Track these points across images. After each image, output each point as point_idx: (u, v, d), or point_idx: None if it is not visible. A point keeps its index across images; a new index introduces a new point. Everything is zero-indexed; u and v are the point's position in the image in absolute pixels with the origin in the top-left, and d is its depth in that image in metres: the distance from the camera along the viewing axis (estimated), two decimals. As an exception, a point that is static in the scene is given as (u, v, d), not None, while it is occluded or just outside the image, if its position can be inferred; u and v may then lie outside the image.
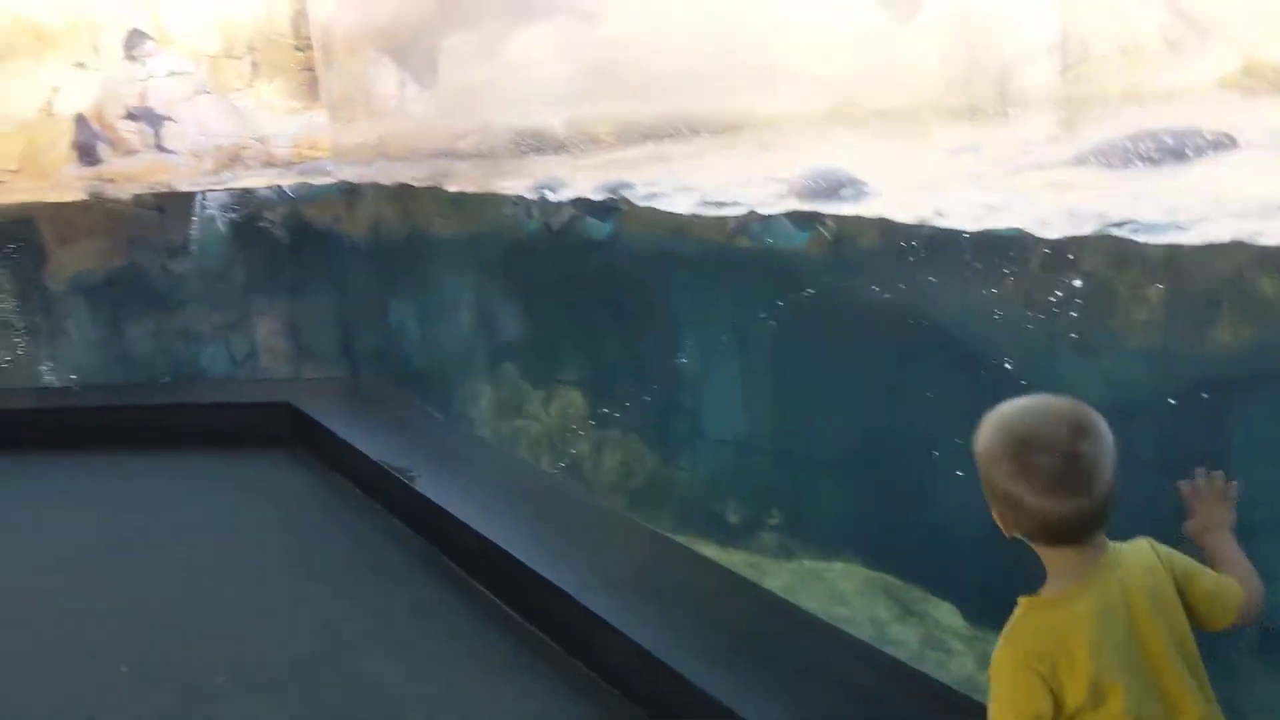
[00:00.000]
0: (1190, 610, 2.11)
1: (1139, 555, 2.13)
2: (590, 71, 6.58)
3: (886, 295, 4.66)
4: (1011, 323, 4.15)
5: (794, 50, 5.78)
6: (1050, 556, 2.11)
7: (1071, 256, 3.87)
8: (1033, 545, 2.12)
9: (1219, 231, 3.51)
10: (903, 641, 4.45)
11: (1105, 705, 1.99)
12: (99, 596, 5.47)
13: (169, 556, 5.91)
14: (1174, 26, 5.83)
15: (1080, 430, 2.00)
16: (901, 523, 4.77)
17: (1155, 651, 2.04)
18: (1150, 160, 4.57)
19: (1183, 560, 2.16)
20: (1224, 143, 3.81)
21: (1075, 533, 2.05)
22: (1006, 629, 2.10)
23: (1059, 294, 3.94)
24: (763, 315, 5.46)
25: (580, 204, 6.06)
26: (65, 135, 10.04)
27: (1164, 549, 2.15)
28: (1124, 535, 2.20)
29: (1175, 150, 4.53)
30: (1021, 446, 2.02)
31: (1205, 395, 3.49)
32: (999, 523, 2.11)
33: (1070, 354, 3.97)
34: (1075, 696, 2.00)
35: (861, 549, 4.93)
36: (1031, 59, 5.80)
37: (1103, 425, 2.02)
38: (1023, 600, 2.11)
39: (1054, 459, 1.99)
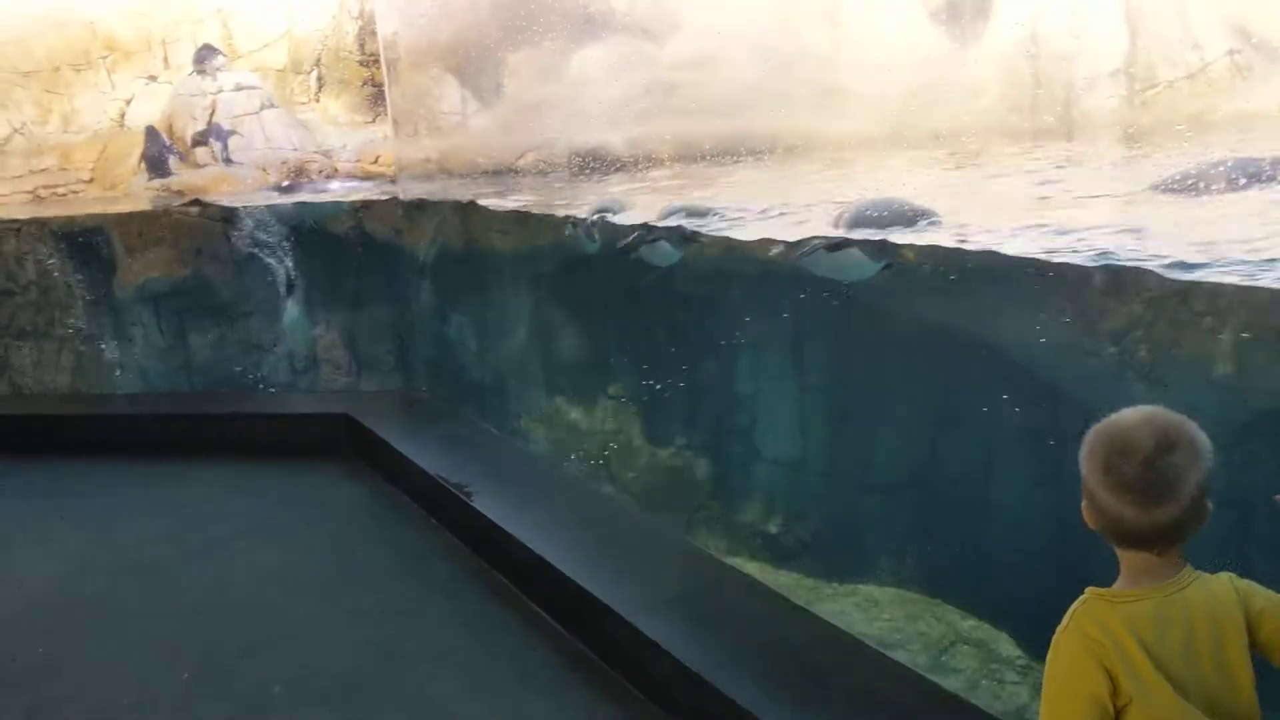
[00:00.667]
0: (1263, 645, 2.10)
1: (1214, 584, 2.13)
2: (651, 91, 6.61)
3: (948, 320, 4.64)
4: (1074, 351, 4.10)
5: (857, 71, 5.78)
6: (1124, 557, 2.16)
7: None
8: (1108, 542, 2.17)
9: None
10: (957, 670, 4.41)
11: (1151, 707, 2.02)
12: (160, 603, 5.56)
13: (228, 565, 5.99)
14: (1243, 52, 5.76)
15: (1168, 444, 2.04)
16: (959, 551, 4.73)
17: (1206, 671, 2.05)
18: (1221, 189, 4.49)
19: (1262, 595, 2.14)
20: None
21: (1144, 541, 2.10)
22: (1069, 613, 2.14)
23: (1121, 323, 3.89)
24: (819, 337, 5.45)
25: (642, 228, 6.06)
26: (137, 147, 10.26)
27: (1244, 584, 2.14)
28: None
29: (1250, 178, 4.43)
30: (1109, 448, 2.09)
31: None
32: (1084, 515, 2.18)
33: (1136, 384, 3.92)
34: (1126, 688, 2.03)
35: (916, 576, 4.89)
36: (1096, 84, 5.77)
37: (1199, 444, 2.06)
38: (1089, 590, 2.15)
39: (1134, 466, 2.05)
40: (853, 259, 4.84)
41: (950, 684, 4.00)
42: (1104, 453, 2.10)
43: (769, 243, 5.32)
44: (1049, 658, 2.14)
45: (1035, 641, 4.39)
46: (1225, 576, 2.15)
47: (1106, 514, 2.10)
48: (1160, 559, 2.12)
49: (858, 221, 5.01)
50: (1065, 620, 2.14)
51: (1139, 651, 2.03)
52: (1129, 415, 2.13)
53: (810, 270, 5.00)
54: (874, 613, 4.84)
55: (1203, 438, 2.07)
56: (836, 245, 4.90)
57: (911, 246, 4.65)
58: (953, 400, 4.65)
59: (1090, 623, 2.09)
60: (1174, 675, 2.03)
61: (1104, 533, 2.15)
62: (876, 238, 4.79)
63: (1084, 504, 2.18)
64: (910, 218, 4.88)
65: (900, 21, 5.98)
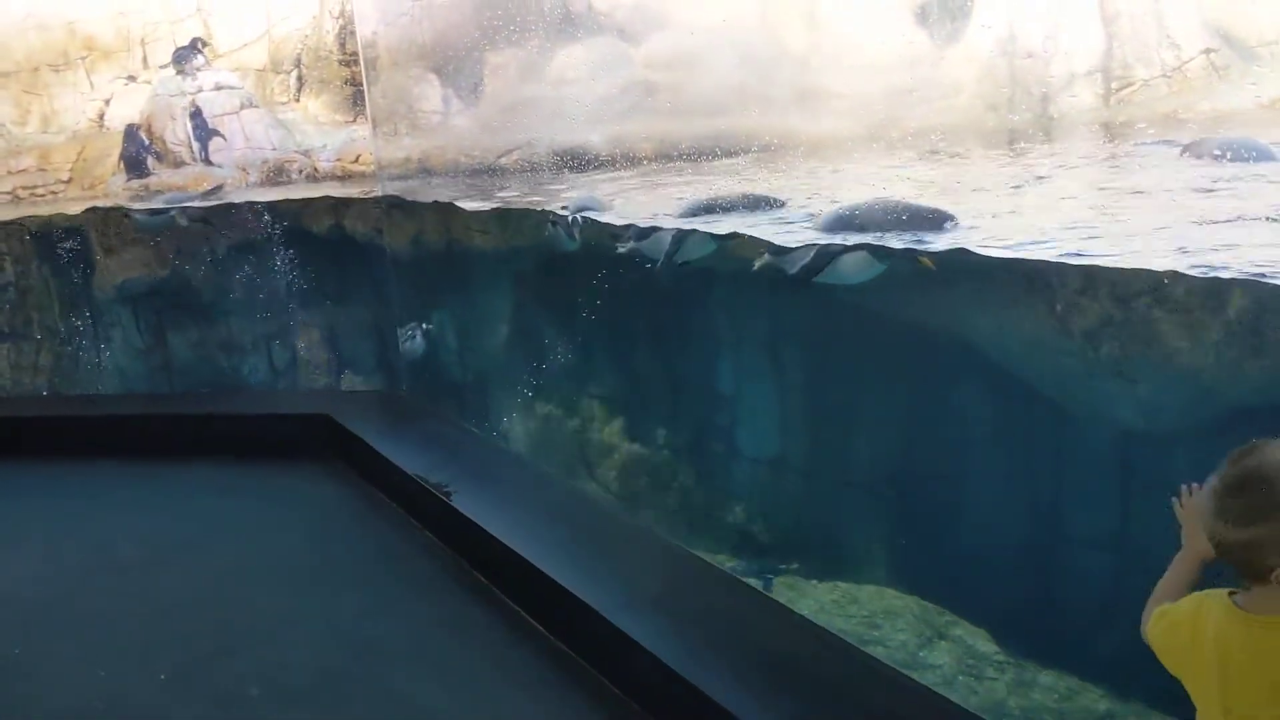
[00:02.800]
0: None
1: None
2: (631, 91, 6.62)
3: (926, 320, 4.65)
4: (1052, 349, 4.12)
5: (836, 71, 5.80)
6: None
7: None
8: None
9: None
10: (934, 666, 4.42)
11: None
12: (138, 603, 5.53)
13: (206, 565, 5.97)
14: (1221, 52, 5.80)
15: (1267, 471, 2.00)
16: (936, 548, 4.75)
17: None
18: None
19: None
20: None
21: (1243, 566, 2.06)
22: (1214, 591, 2.16)
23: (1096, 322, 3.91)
24: (795, 333, 5.46)
25: (626, 227, 6.05)
26: (116, 147, 10.21)
27: None
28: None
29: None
30: (1238, 469, 2.06)
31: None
32: None
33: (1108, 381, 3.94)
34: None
35: (894, 573, 4.90)
36: (1073, 84, 5.80)
37: None
38: (1227, 599, 2.13)
39: (1235, 473, 2.03)
40: (858, 264, 4.78)
41: (928, 680, 4.01)
42: (1231, 469, 2.06)
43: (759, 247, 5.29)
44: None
45: (1012, 638, 4.41)
46: None
47: (1212, 529, 2.10)
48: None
49: (848, 224, 4.97)
50: (1206, 597, 2.17)
51: (1206, 667, 2.09)
52: (1271, 442, 2.07)
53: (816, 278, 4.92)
54: (852, 609, 4.86)
55: None
56: (841, 251, 4.84)
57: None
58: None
59: (1199, 609, 2.15)
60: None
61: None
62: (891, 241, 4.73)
63: None
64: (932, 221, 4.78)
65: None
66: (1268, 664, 2.04)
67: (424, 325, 7.83)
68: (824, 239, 4.96)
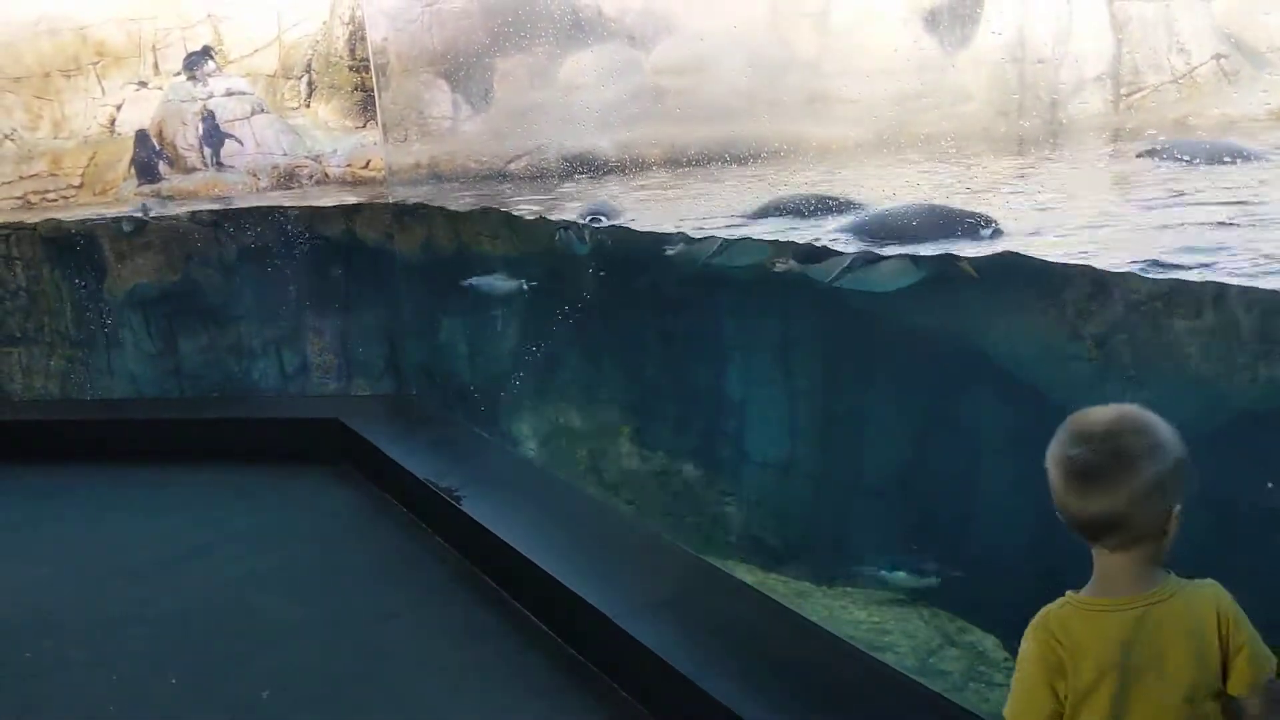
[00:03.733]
0: (1226, 669, 2.08)
1: (1197, 599, 2.09)
2: (641, 96, 6.62)
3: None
4: (1059, 354, 4.11)
5: (846, 76, 5.79)
6: (1095, 558, 2.13)
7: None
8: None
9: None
10: (945, 672, 4.41)
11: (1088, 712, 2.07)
12: (149, 608, 5.55)
13: (217, 570, 5.98)
14: (1231, 57, 5.80)
15: (1118, 430, 2.04)
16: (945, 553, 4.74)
17: (1154, 700, 2.05)
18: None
19: (1239, 621, 2.08)
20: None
21: (1084, 532, 2.08)
22: (1042, 611, 2.15)
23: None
24: (804, 338, 5.45)
25: (640, 234, 6.01)
26: (127, 152, 10.25)
27: (1230, 608, 2.08)
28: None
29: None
30: (1067, 431, 2.09)
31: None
32: None
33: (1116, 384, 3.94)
34: (1073, 689, 2.08)
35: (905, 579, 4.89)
36: (1083, 89, 5.80)
37: (1160, 440, 2.03)
38: (1069, 593, 2.14)
39: (1079, 449, 2.04)
40: (896, 270, 4.57)
41: (938, 686, 4.01)
42: (1061, 435, 2.09)
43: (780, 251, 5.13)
44: (1020, 647, 2.17)
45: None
46: (1210, 591, 2.10)
47: (1056, 500, 2.09)
48: (1128, 562, 2.07)
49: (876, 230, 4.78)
50: (1037, 617, 2.15)
51: (1094, 664, 2.05)
52: (1097, 408, 2.12)
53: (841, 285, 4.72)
54: (861, 615, 4.85)
55: (1170, 437, 2.04)
56: (878, 257, 4.60)
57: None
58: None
59: (1057, 625, 2.10)
60: (1140, 691, 2.04)
61: (1070, 531, 2.11)
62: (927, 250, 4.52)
63: None
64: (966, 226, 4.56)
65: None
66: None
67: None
68: (854, 244, 4.79)
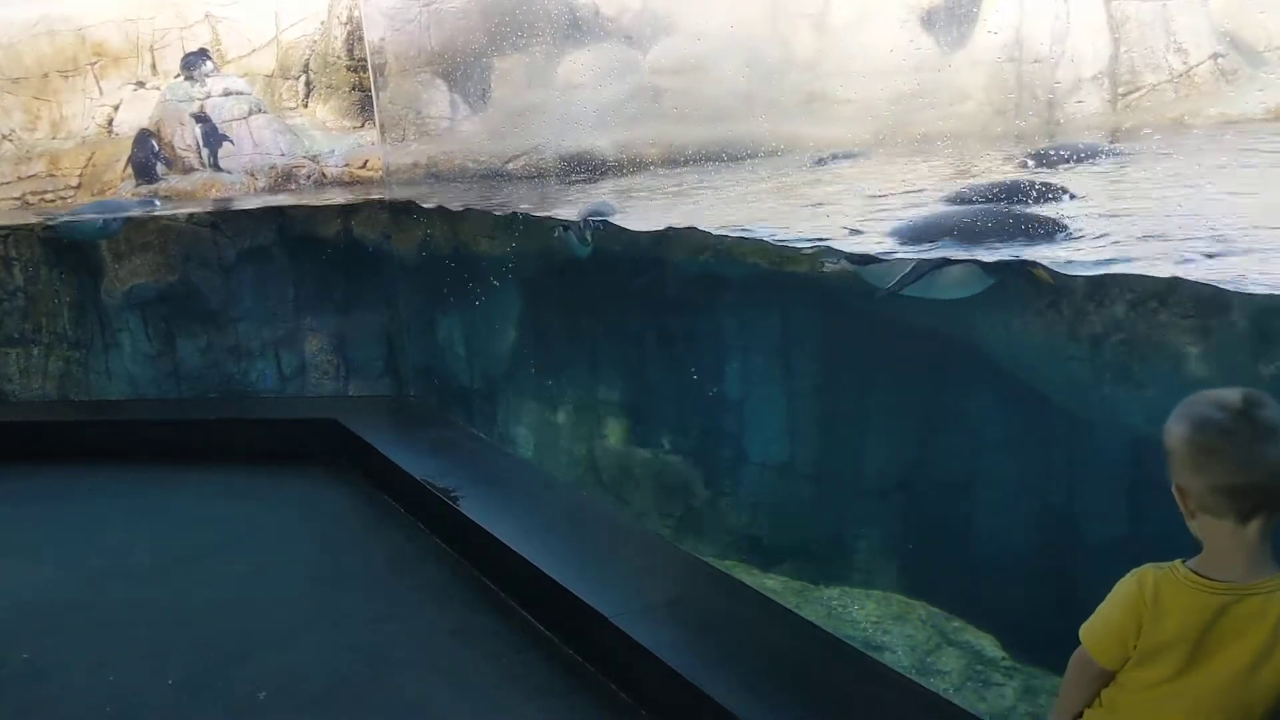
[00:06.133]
0: None
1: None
2: (639, 96, 6.62)
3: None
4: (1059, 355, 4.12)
5: (843, 76, 5.78)
6: (1212, 533, 2.14)
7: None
8: (1206, 523, 2.15)
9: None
10: (943, 672, 4.42)
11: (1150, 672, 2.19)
12: (146, 609, 5.54)
13: (214, 571, 5.98)
14: (1229, 57, 5.80)
15: (1256, 399, 2.08)
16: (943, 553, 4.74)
17: (1223, 684, 2.11)
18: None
19: None
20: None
21: (1252, 498, 2.07)
22: (1148, 568, 2.23)
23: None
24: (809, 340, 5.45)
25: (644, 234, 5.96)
26: (125, 153, 10.25)
27: None
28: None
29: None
30: (1199, 411, 2.12)
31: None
32: (1185, 509, 2.17)
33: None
34: (1144, 646, 2.19)
35: (901, 578, 4.90)
36: (1080, 88, 5.79)
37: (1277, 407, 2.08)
38: (1177, 562, 2.20)
39: (1229, 413, 2.07)
40: (964, 277, 4.31)
41: (936, 686, 4.01)
42: (1194, 417, 2.12)
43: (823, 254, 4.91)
44: (1117, 587, 2.26)
45: (1020, 644, 4.41)
46: None
47: (1202, 474, 2.09)
48: (1257, 539, 2.10)
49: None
50: (1140, 571, 2.23)
51: (1174, 630, 2.14)
52: (1205, 391, 2.16)
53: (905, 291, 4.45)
54: (860, 615, 4.85)
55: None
56: (944, 263, 4.33)
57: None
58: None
59: (1151, 590, 2.18)
60: (1207, 664, 2.11)
61: (1210, 508, 2.11)
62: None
63: (1175, 485, 2.17)
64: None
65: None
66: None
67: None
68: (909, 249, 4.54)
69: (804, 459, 5.50)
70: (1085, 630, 2.30)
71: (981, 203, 4.79)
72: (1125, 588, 2.23)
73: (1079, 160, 5.17)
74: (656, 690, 4.19)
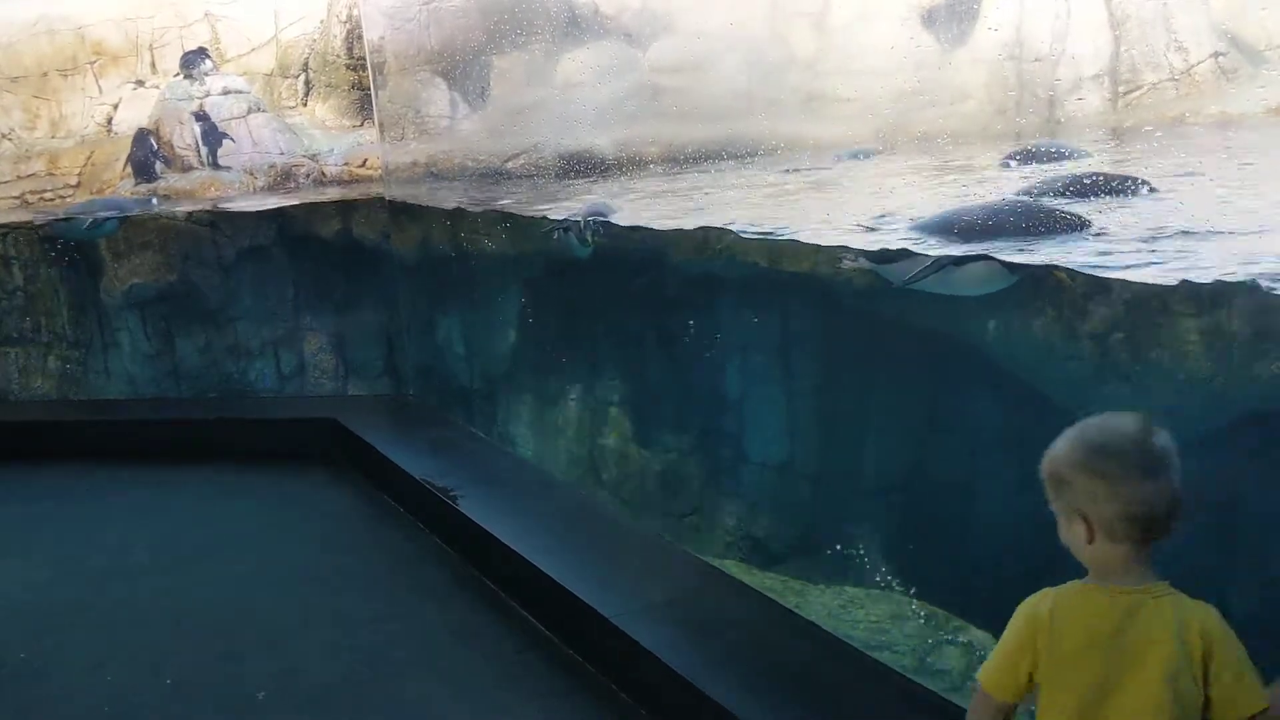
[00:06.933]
0: (1208, 700, 2.13)
1: (1188, 613, 2.14)
2: (638, 95, 6.60)
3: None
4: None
5: (843, 75, 5.77)
6: (1098, 557, 2.19)
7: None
8: (1103, 547, 2.18)
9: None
10: (942, 671, 4.41)
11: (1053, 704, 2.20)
12: (145, 608, 5.53)
13: (214, 570, 5.97)
14: (1230, 55, 5.79)
15: (1149, 427, 2.15)
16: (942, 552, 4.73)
17: (1128, 705, 2.12)
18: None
19: (1227, 647, 2.13)
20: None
21: (1148, 522, 2.13)
22: (1042, 591, 2.26)
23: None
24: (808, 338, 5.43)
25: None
26: (124, 151, 10.23)
27: (1219, 627, 2.14)
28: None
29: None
30: (1092, 439, 2.18)
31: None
32: (1072, 540, 2.22)
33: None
34: (1048, 669, 2.20)
35: (900, 577, 4.89)
36: (1081, 86, 5.78)
37: (1173, 442, 2.15)
38: (1072, 582, 2.24)
39: (1125, 442, 2.14)
40: (984, 274, 4.21)
41: (936, 685, 4.00)
42: (1096, 446, 2.16)
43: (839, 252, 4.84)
44: (1011, 620, 2.28)
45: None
46: (1203, 612, 2.16)
47: (1101, 501, 2.13)
48: (1136, 557, 2.16)
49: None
50: (1032, 596, 2.26)
51: (1080, 644, 2.16)
52: (1091, 421, 2.22)
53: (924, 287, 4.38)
54: (859, 615, 4.84)
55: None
56: (964, 259, 4.24)
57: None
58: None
59: (1045, 610, 2.21)
60: (1124, 680, 2.12)
61: (1108, 533, 2.15)
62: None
63: (1067, 519, 2.22)
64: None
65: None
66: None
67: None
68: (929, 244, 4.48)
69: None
70: (982, 668, 2.32)
71: (1060, 195, 4.68)
72: (1017, 617, 2.26)
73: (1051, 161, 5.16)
74: (656, 690, 4.18)
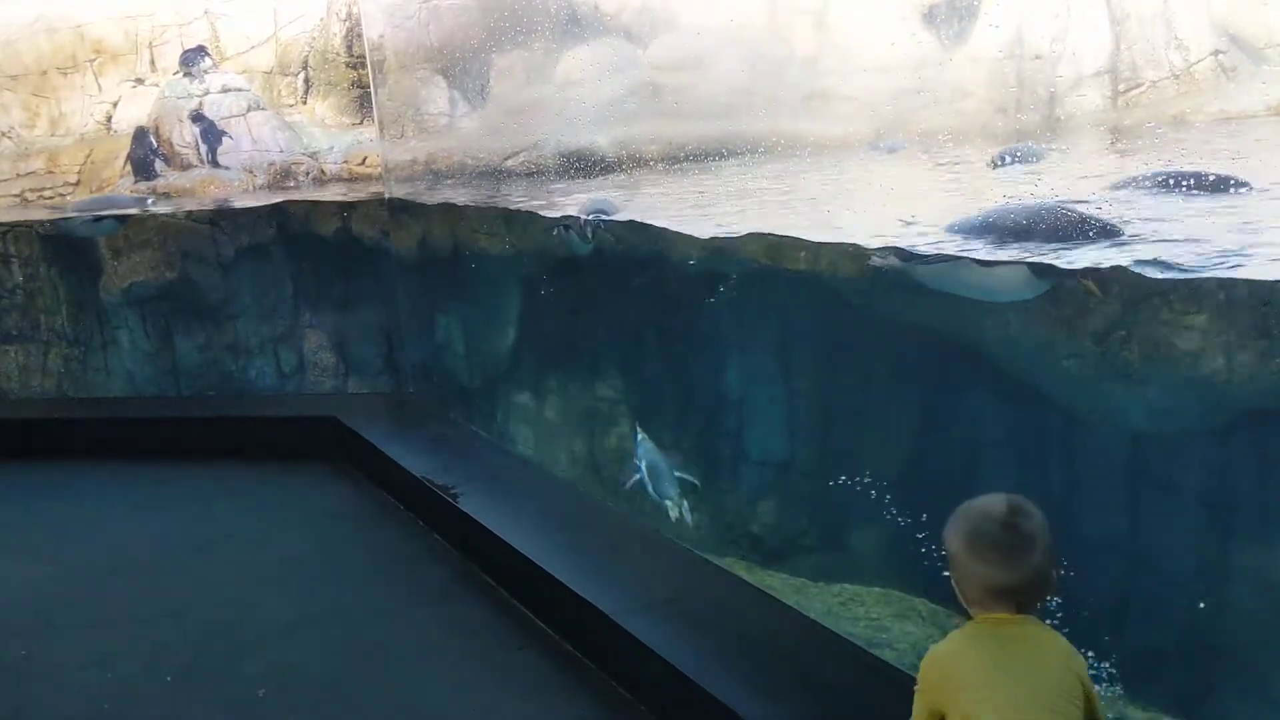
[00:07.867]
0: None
1: (1057, 637, 2.40)
2: (638, 93, 6.60)
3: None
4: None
5: (843, 73, 5.77)
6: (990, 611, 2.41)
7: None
8: (979, 612, 2.42)
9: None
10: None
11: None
12: (145, 606, 5.53)
13: (213, 568, 5.97)
14: (1230, 53, 5.79)
15: (1015, 509, 2.36)
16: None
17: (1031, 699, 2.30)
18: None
19: (1087, 679, 2.37)
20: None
21: (1014, 592, 2.36)
22: (954, 632, 2.46)
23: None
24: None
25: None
26: (123, 149, 10.24)
27: (1079, 660, 2.38)
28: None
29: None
30: (970, 519, 2.41)
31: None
32: (963, 599, 2.45)
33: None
34: (957, 701, 2.35)
35: (899, 575, 4.89)
36: (1081, 85, 5.78)
37: (1041, 516, 2.37)
38: (967, 623, 2.45)
39: (994, 528, 2.35)
40: (1015, 279, 4.10)
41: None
42: (967, 529, 2.39)
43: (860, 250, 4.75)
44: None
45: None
46: (1065, 642, 2.40)
47: (976, 576, 2.36)
48: (1023, 620, 2.37)
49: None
50: (936, 644, 2.46)
51: (976, 670, 2.35)
52: (980, 497, 2.44)
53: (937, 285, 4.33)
54: (860, 612, 4.85)
55: (1042, 515, 2.37)
56: (994, 263, 4.13)
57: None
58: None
59: (936, 656, 2.43)
60: (1018, 691, 2.29)
61: (976, 596, 2.39)
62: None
63: (954, 579, 2.44)
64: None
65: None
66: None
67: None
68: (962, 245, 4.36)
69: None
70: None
71: (1161, 190, 4.65)
72: (921, 667, 2.45)
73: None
74: (658, 687, 4.18)
